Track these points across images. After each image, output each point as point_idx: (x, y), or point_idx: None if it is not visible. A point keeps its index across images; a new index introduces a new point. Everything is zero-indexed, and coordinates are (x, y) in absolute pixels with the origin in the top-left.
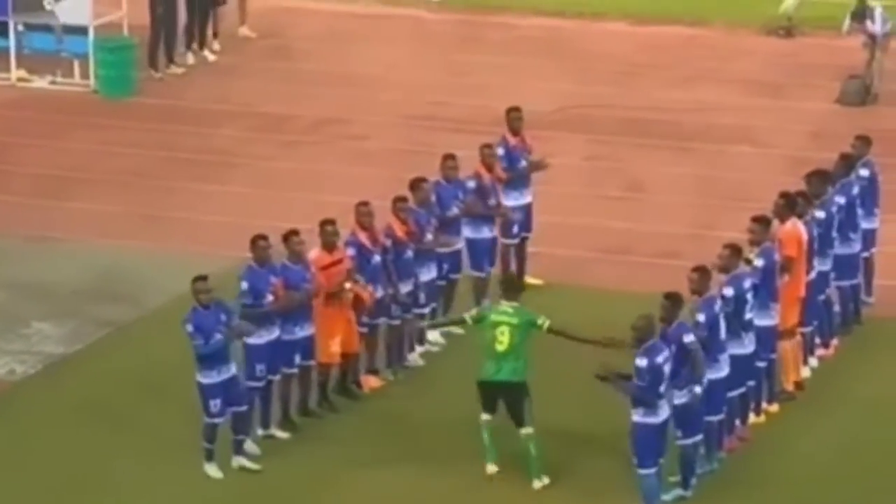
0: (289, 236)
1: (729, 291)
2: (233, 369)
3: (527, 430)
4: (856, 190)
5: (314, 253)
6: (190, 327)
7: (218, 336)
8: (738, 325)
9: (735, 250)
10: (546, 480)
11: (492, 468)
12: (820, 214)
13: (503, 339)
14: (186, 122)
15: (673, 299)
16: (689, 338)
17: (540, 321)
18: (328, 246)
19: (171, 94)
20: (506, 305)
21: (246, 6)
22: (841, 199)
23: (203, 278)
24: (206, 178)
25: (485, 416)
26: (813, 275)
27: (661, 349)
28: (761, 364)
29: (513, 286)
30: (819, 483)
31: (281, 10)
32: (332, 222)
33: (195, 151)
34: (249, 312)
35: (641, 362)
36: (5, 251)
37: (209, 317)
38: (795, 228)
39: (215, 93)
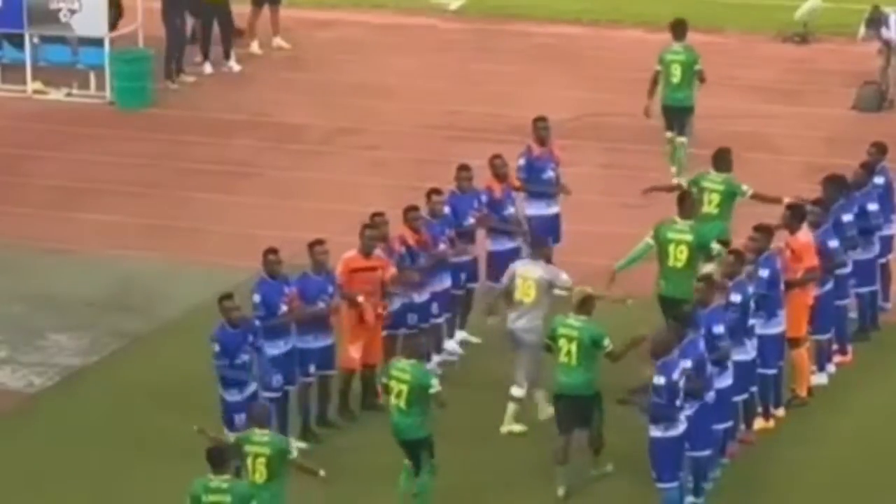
0: (313, 245)
1: (736, 297)
2: (253, 385)
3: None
4: (874, 196)
5: (349, 253)
6: (217, 347)
7: (244, 357)
8: (741, 332)
9: (739, 256)
10: None
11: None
12: (847, 217)
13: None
14: (201, 133)
15: (708, 281)
16: (718, 328)
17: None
18: (366, 249)
19: (187, 105)
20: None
21: (278, 18)
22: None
23: (230, 296)
24: (220, 189)
25: None
26: (830, 285)
27: (676, 365)
28: (769, 371)
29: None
30: (837, 489)
31: (295, 21)
32: (373, 227)
33: (210, 162)
34: (264, 325)
35: (659, 380)
36: (21, 263)
37: (237, 336)
38: (809, 238)
39: (230, 103)
